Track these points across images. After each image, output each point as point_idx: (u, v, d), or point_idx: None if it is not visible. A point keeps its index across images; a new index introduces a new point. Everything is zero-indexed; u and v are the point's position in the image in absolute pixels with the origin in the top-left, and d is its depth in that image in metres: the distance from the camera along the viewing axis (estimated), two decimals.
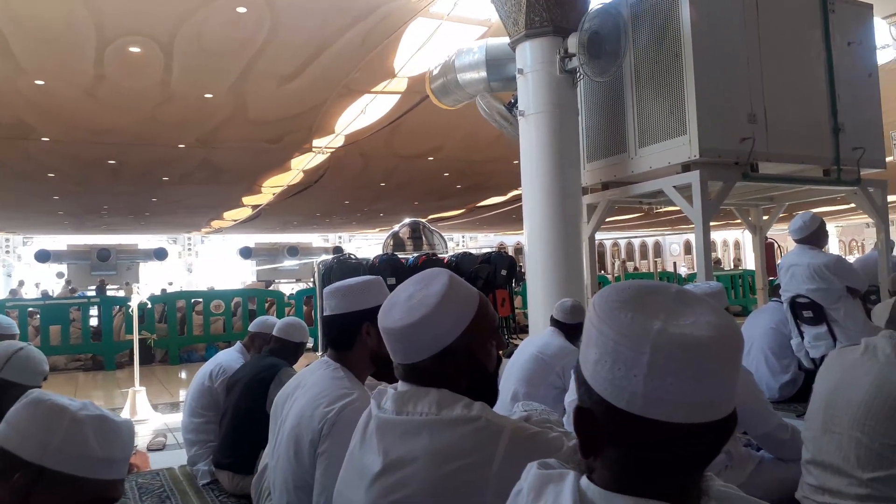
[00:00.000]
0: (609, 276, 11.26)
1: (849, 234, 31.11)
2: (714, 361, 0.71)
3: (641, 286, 0.79)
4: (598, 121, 5.34)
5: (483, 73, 5.80)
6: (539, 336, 4.02)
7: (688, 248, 26.21)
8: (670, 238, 27.20)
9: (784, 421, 2.47)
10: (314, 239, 25.85)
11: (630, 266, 24.30)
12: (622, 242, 26.41)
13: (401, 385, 1.27)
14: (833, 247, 29.36)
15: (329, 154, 11.04)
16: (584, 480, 0.78)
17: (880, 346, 2.06)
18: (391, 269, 6.43)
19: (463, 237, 27.05)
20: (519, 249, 22.01)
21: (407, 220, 11.24)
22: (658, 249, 26.86)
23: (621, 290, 0.78)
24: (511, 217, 17.59)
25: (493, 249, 8.48)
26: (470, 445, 1.13)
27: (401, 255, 7.17)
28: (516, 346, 4.16)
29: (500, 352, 1.35)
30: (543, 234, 5.18)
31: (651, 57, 4.78)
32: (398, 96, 8.50)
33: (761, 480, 2.45)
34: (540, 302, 5.07)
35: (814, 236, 4.38)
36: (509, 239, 26.85)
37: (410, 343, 1.23)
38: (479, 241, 26.83)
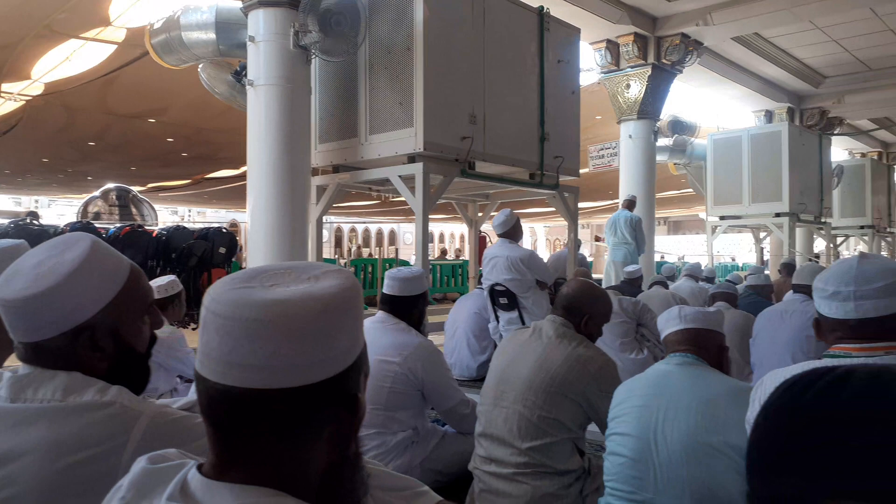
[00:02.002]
0: (343, 260, 11.36)
1: (554, 234, 35.64)
2: (296, 327, 0.70)
3: (258, 269, 0.78)
4: (331, 102, 5.29)
5: (212, 35, 5.40)
6: None
7: None
8: (405, 227, 28.47)
9: (466, 397, 2.68)
10: (3, 201, 22.05)
11: (366, 252, 24.90)
12: (360, 228, 26.95)
13: (22, 367, 1.07)
14: (541, 244, 33.26)
15: (24, 102, 9.44)
16: (193, 471, 0.72)
17: (545, 328, 2.32)
18: None
19: (190, 211, 25.18)
20: None
21: (111, 186, 10.05)
22: (393, 237, 27.92)
23: (239, 273, 0.77)
24: (245, 193, 16.69)
25: (215, 225, 7.97)
26: (98, 434, 1.00)
27: (100, 225, 6.38)
28: None
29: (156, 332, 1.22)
30: (268, 212, 5.04)
31: (385, 46, 4.84)
32: (114, 47, 7.55)
33: (442, 453, 2.62)
34: None
35: (512, 231, 4.86)
36: (243, 216, 25.71)
37: (34, 318, 1.04)
38: (209, 217, 25.22)
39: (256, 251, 5.10)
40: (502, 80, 5.20)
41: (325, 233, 25.18)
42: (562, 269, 6.49)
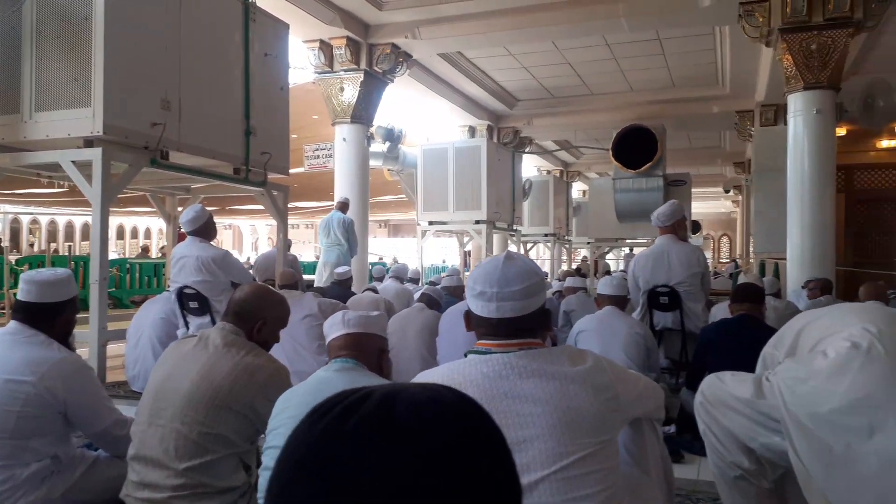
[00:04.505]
0: (14, 258, 9.62)
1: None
2: None
3: None
4: None
5: None
6: None
7: (120, 233, 24.89)
8: None
9: (123, 416, 2.37)
10: None
11: (53, 248, 21.63)
12: (44, 220, 23.23)
13: None
14: (262, 242, 32.26)
15: None
16: None
17: (212, 337, 2.14)
18: None
19: None
20: None
21: None
22: (86, 231, 24.63)
23: None
24: None
25: None
26: None
27: None
28: None
29: None
30: None
31: (58, 11, 4.23)
32: None
33: (92, 481, 2.29)
34: None
35: (204, 228, 4.53)
36: None
37: None
38: None
39: None
40: (202, 67, 4.88)
41: None
42: (270, 270, 6.29)
